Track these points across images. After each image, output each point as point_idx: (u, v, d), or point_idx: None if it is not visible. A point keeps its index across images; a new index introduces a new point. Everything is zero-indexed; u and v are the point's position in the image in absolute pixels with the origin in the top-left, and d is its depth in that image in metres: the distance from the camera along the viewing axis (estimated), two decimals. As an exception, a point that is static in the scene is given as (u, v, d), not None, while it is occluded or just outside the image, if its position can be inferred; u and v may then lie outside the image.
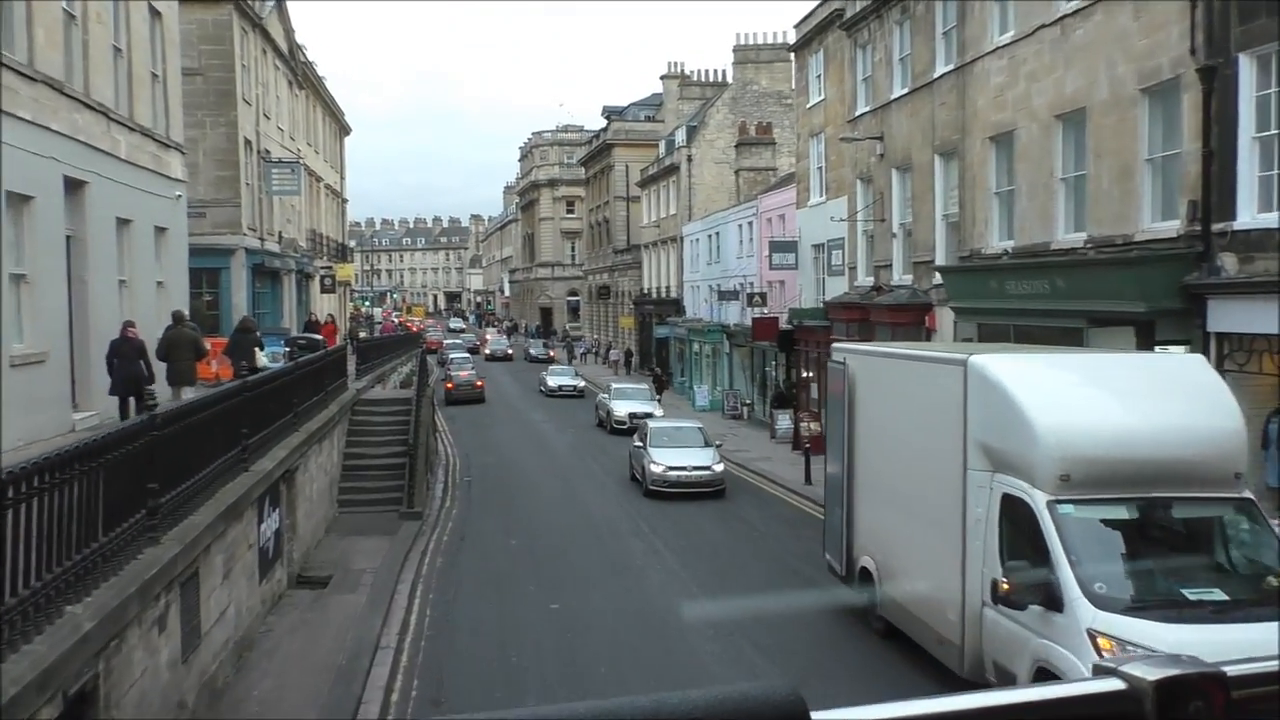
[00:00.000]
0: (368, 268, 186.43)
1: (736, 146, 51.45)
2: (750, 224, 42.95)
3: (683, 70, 67.33)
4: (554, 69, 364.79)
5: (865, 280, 29.87)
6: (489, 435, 37.48)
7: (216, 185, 29.56)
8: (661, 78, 68.78)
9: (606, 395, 38.18)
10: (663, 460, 23.44)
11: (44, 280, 15.45)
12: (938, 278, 24.96)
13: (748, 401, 43.17)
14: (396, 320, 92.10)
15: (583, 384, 48.95)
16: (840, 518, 13.41)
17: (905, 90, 26.78)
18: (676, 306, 56.72)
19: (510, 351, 73.24)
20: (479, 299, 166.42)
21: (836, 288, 31.66)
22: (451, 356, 58.10)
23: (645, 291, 65.12)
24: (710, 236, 49.97)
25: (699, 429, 26.07)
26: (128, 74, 19.62)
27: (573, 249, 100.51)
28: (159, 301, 21.45)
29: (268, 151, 33.06)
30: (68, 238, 16.80)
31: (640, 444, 24.86)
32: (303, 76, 41.35)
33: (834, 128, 32.16)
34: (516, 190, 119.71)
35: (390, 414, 25.81)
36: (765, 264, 40.37)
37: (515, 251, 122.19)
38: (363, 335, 34.91)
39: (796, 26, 35.78)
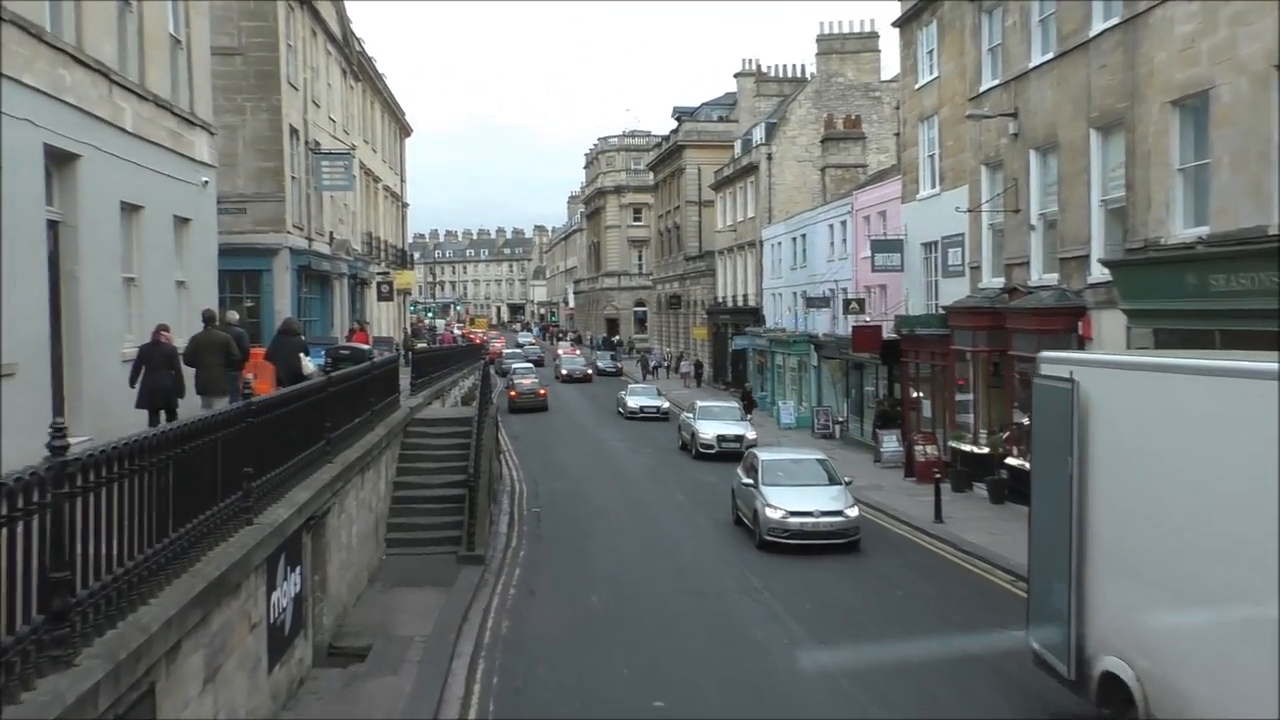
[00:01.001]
0: (430, 279, 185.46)
1: (823, 142, 47.59)
2: (843, 223, 39.04)
3: (758, 66, 63.51)
4: (620, 74, 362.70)
5: (993, 281, 25.84)
6: (557, 457, 33.98)
7: (258, 178, 26.49)
8: (736, 75, 64.95)
9: (690, 415, 34.25)
10: (781, 503, 18.96)
11: (14, 274, 12.17)
12: (1094, 275, 20.92)
13: (840, 419, 39.19)
14: (458, 331, 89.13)
15: (667, 405, 44.66)
16: (1065, 596, 9.55)
17: (1048, 56, 22.77)
18: (755, 316, 52.88)
19: (589, 372, 64.73)
20: (543, 310, 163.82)
21: (954, 291, 27.67)
22: (514, 367, 57.66)
23: (719, 300, 61.38)
24: (794, 239, 46.10)
25: (821, 461, 21.66)
26: (138, 31, 16.44)
27: (639, 258, 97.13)
28: (180, 304, 18.31)
29: (317, 142, 29.97)
30: (51, 223, 13.58)
31: (749, 481, 20.28)
32: (358, 67, 38.36)
33: (951, 108, 28.20)
34: (582, 199, 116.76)
35: (449, 436, 22.38)
36: (862, 267, 36.42)
37: (580, 261, 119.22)
38: (420, 346, 31.41)
39: (902, -1, 31.88)
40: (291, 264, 26.96)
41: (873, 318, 34.05)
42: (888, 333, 31.89)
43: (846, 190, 43.76)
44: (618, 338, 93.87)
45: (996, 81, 25.28)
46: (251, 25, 26.14)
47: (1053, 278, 22.77)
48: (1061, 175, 22.35)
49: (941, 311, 27.71)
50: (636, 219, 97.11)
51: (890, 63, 51.90)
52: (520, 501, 25.99)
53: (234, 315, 19.38)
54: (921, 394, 30.10)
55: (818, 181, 51.87)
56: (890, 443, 30.36)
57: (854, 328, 32.58)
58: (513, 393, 46.42)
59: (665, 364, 67.19)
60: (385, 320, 45.59)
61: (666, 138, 75.89)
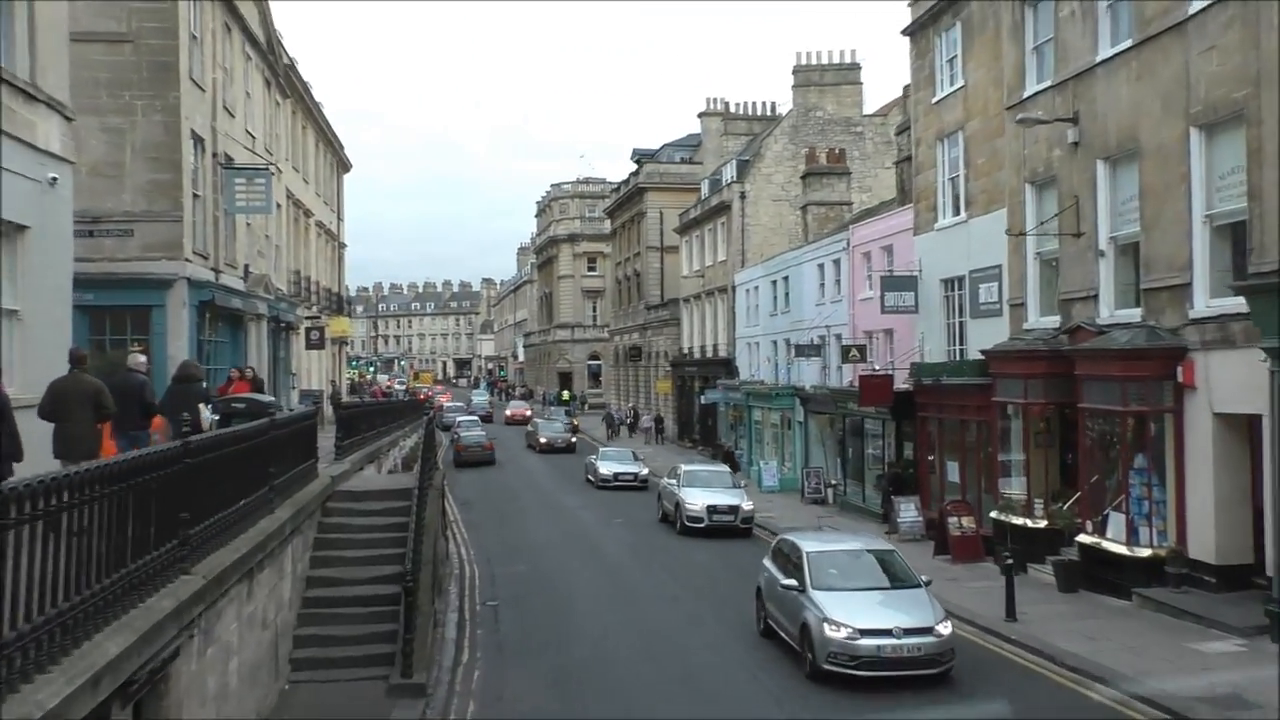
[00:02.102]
0: (374, 333, 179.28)
1: (804, 178, 43.57)
2: (836, 262, 34.82)
3: (726, 105, 59.85)
4: (574, 121, 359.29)
5: (1042, 320, 21.59)
6: (518, 531, 28.98)
7: (149, 193, 21.55)
8: (700, 115, 61.21)
9: (673, 482, 29.09)
10: (846, 617, 13.44)
11: None
12: (1198, 308, 16.70)
13: (833, 482, 34.63)
14: (400, 386, 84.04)
15: (646, 471, 38.64)
16: None
17: (1123, 46, 18.73)
18: (727, 367, 48.43)
19: (574, 440, 53.96)
20: (490, 365, 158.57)
21: (988, 333, 23.39)
22: (459, 419, 57.49)
23: (685, 351, 56.93)
24: (774, 282, 41.85)
25: (889, 555, 15.93)
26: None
27: (594, 309, 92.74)
28: (11, 340, 13.35)
29: (228, 156, 25.11)
30: None
31: (792, 583, 14.71)
32: (287, 81, 33.63)
33: (982, 120, 24.14)
34: (533, 248, 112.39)
35: (381, 514, 17.44)
36: (861, 310, 32.19)
37: (530, 314, 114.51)
38: (347, 400, 26.07)
39: (912, 4, 27.96)
40: (190, 299, 21.92)
41: (878, 366, 29.65)
42: (900, 383, 27.53)
43: (830, 230, 39.70)
44: (569, 393, 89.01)
45: (1046, 84, 21.22)
46: (144, 7, 21.38)
47: (1132, 314, 18.53)
48: (1145, 188, 18.17)
49: (975, 358, 23.37)
50: (591, 268, 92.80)
51: (874, 95, 48.29)
52: (473, 591, 20.99)
53: (140, 359, 14.88)
54: (944, 455, 25.67)
55: (796, 222, 47.89)
56: (909, 511, 25.81)
57: (861, 377, 28.13)
58: (458, 445, 46.48)
59: (625, 420, 62.25)
60: (316, 371, 40.44)
61: (625, 181, 71.87)
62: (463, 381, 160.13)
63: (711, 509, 25.97)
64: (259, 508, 12.40)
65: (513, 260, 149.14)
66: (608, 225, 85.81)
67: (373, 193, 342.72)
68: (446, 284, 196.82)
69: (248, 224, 27.60)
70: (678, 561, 23.65)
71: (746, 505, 26.36)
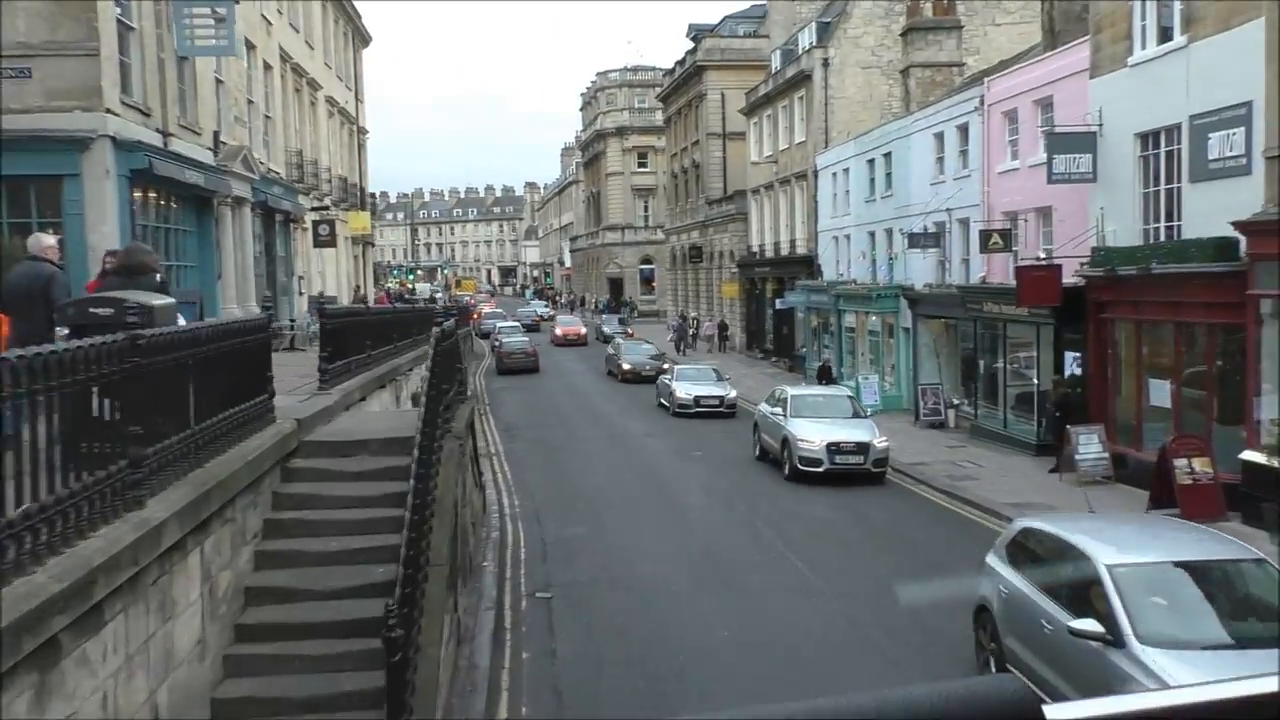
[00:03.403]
0: (415, 240, 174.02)
1: (904, 35, 36.30)
2: (963, 127, 27.89)
3: (797, -35, 52.01)
4: (619, 14, 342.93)
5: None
6: (571, 468, 23.12)
7: (52, 16, 15.29)
8: (767, -21, 53.63)
9: (778, 411, 21.78)
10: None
11: None
12: None
13: (955, 402, 28.29)
14: (401, 286, 78.20)
15: (734, 394, 31.51)
16: None
17: None
18: (807, 266, 41.83)
19: (665, 367, 37.53)
20: (535, 273, 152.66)
21: (1220, 202, 16.69)
22: (499, 326, 57.03)
23: (753, 250, 50.30)
24: (870, 162, 34.98)
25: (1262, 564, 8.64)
26: None
27: (646, 209, 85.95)
28: None
29: (177, -21, 18.73)
30: None
31: (1093, 630, 7.74)
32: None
33: (1222, -103, 17.03)
34: (579, 145, 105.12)
35: (376, 475, 11.37)
36: (998, 186, 25.46)
37: (577, 217, 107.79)
38: (334, 308, 19.28)
39: None
40: (118, 166, 15.78)
41: (1040, 255, 23.02)
42: (1071, 276, 20.96)
43: (938, 97, 32.62)
44: (624, 299, 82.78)
45: None
46: None
47: None
48: None
49: (1201, 236, 16.73)
50: (642, 164, 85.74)
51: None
52: (516, 570, 15.10)
53: (46, 240, 10.13)
54: (1142, 372, 19.20)
55: (889, 93, 40.82)
56: (1090, 446, 19.44)
57: (1021, 271, 21.50)
58: (501, 352, 45.92)
59: (692, 331, 55.11)
60: (333, 275, 34.49)
61: (680, 62, 64.42)
62: (508, 290, 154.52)
63: (833, 448, 19.54)
64: (104, 503, 6.41)
65: (558, 167, 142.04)
66: (659, 116, 78.64)
67: (416, 105, 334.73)
68: (489, 189, 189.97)
69: (218, 80, 21.36)
70: (793, 521, 17.44)
71: (879, 442, 19.91)
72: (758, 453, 22.97)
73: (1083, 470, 19.36)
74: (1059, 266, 21.08)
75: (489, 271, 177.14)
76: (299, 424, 11.63)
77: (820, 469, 19.58)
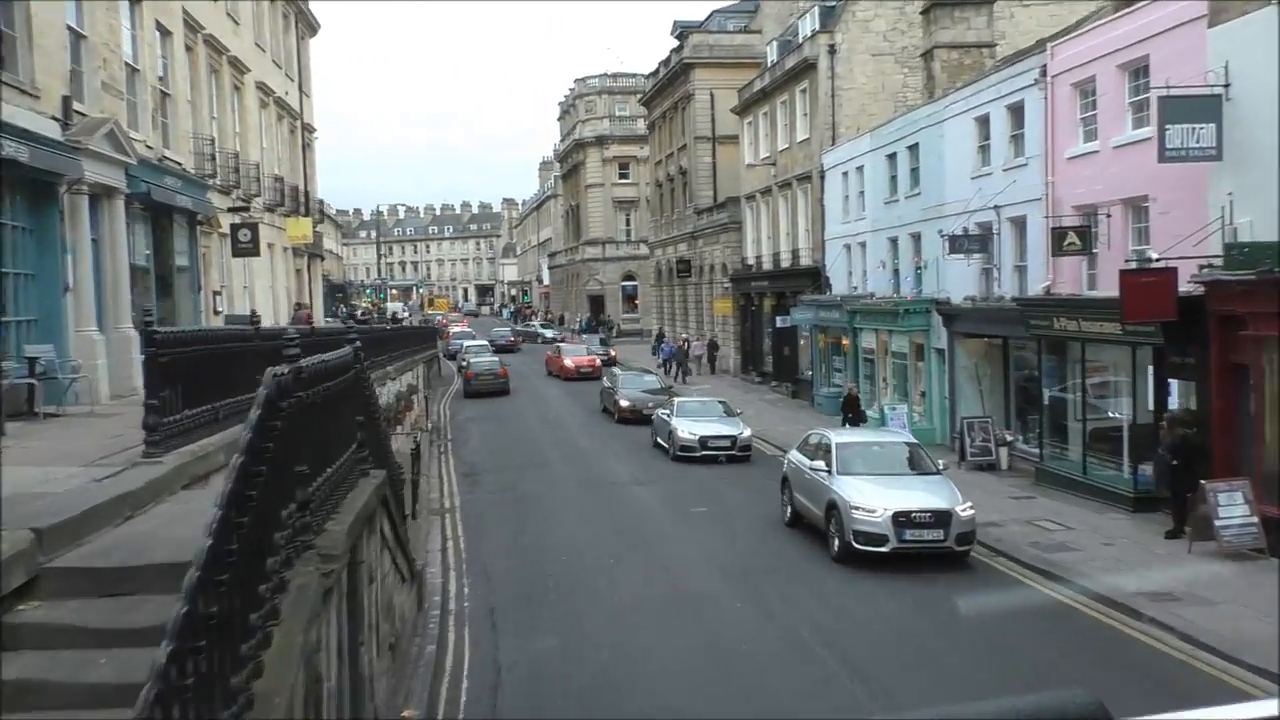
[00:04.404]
0: (389, 258, 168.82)
1: (926, 13, 31.56)
2: (1016, 107, 23.06)
3: (792, -48, 47.40)
4: (599, 23, 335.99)
5: None
6: (542, 532, 18.02)
7: None
8: (760, -32, 49.03)
9: (820, 466, 16.36)
10: None
11: None
12: None
13: (1009, 438, 23.42)
14: (369, 307, 74.00)
15: (748, 432, 26.07)
16: None
17: None
18: (814, 279, 37.00)
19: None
20: (514, 291, 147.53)
21: None
22: (466, 345, 55.67)
23: (749, 263, 45.47)
24: (890, 157, 30.20)
25: None
26: None
27: (628, 222, 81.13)
28: None
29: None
30: None
31: None
32: None
33: None
34: (557, 157, 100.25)
35: (151, 634, 6.29)
36: (1067, 174, 20.64)
37: (555, 232, 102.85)
38: (169, 336, 14.07)
39: None
40: None
41: (1115, 258, 18.17)
42: (1187, 283, 16.13)
43: (967, 81, 27.88)
44: (604, 317, 77.75)
45: None
46: None
47: None
48: None
49: None
50: (623, 175, 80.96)
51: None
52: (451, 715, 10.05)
53: None
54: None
55: (903, 82, 36.17)
56: (1234, 507, 14.55)
57: (1128, 276, 16.54)
58: (468, 374, 43.61)
59: (690, 351, 49.30)
60: (264, 288, 29.37)
61: (665, 61, 59.69)
62: (485, 309, 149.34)
63: (902, 519, 14.29)
64: None
65: (536, 183, 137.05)
66: (641, 125, 74.01)
67: (386, 120, 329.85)
68: (465, 205, 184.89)
69: (75, 31, 16.29)
70: (856, 632, 12.28)
71: (963, 509, 14.75)
72: (789, 516, 17.68)
73: (1225, 540, 14.46)
74: (1173, 271, 16.21)
75: (465, 290, 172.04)
76: (39, 538, 6.59)
77: (884, 548, 14.47)
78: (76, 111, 15.91)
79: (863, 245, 32.68)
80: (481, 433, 32.34)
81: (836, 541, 15.03)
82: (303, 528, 6.79)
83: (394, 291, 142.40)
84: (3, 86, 13.50)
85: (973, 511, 14.89)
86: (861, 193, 32.67)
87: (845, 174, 34.19)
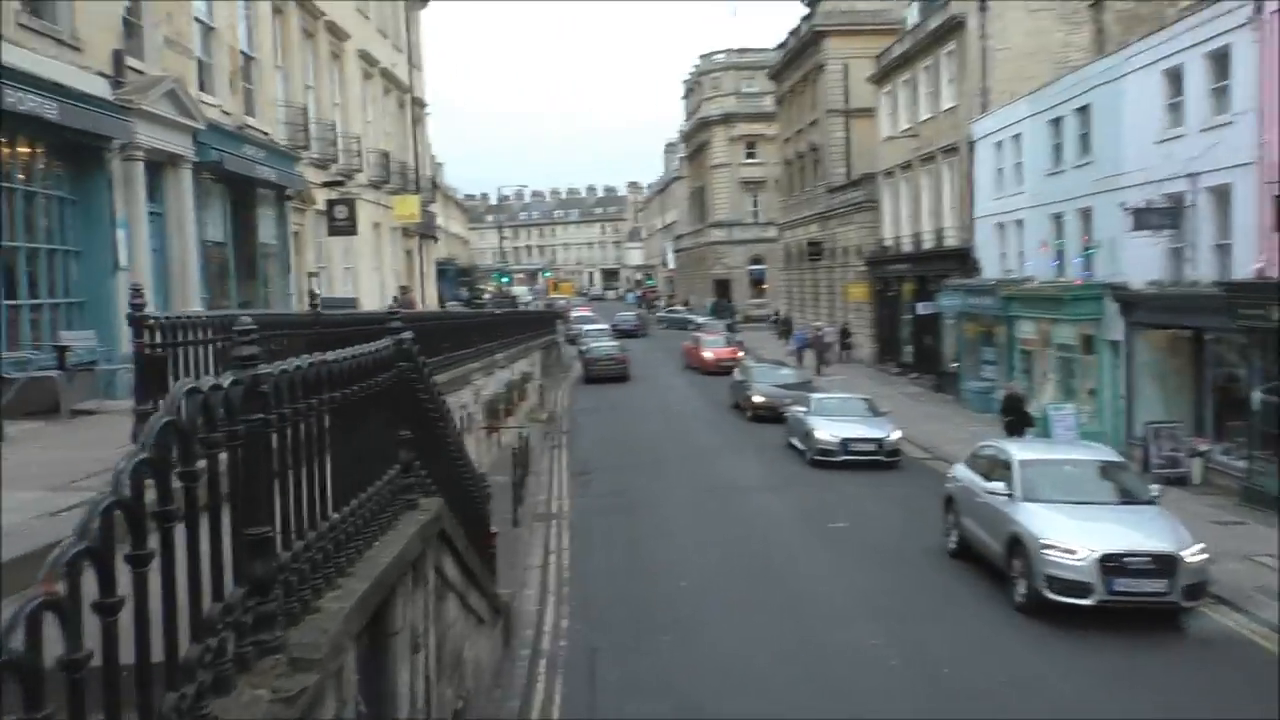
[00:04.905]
0: (503, 239, 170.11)
1: (1098, -43, 27.85)
2: (1219, 55, 19.44)
3: (937, -94, 43.60)
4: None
5: None
6: (660, 560, 15.53)
7: None
8: (900, -74, 45.29)
9: (998, 487, 13.15)
10: None
11: None
12: None
13: (1202, 449, 19.94)
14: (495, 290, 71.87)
15: (897, 435, 23.12)
16: None
17: None
18: (960, 261, 33.59)
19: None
20: (639, 276, 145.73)
21: None
22: (585, 329, 54.06)
23: (885, 244, 42.14)
24: (1055, 122, 26.67)
25: None
26: None
27: (755, 203, 78.07)
28: None
29: None
30: None
31: None
32: None
33: None
34: (682, 137, 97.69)
35: None
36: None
37: (681, 214, 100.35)
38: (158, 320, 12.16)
39: None
40: None
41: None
42: None
43: (1149, 32, 24.13)
44: (726, 301, 74.96)
45: None
46: None
47: None
48: None
49: None
50: (750, 154, 77.86)
51: None
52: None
53: None
54: None
55: (1063, 41, 32.36)
56: None
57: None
58: (587, 359, 43.05)
59: (827, 339, 45.52)
60: (368, 271, 27.73)
61: (795, 31, 56.49)
62: (611, 294, 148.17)
63: (1112, 565, 11.19)
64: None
65: (661, 166, 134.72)
66: (769, 102, 70.83)
67: (513, 102, 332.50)
68: (590, 189, 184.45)
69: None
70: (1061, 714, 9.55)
71: (1192, 554, 11.57)
72: (954, 544, 14.73)
73: None
74: None
75: (591, 274, 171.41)
76: None
77: (1088, 600, 11.46)
78: (132, 69, 14.10)
79: (1019, 223, 29.21)
80: (598, 425, 30.18)
81: (1022, 586, 12.07)
82: (262, 621, 4.42)
83: (520, 276, 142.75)
84: (35, 37, 11.68)
85: (1204, 556, 11.72)
86: (1018, 164, 29.18)
87: (999, 144, 30.69)
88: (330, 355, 5.44)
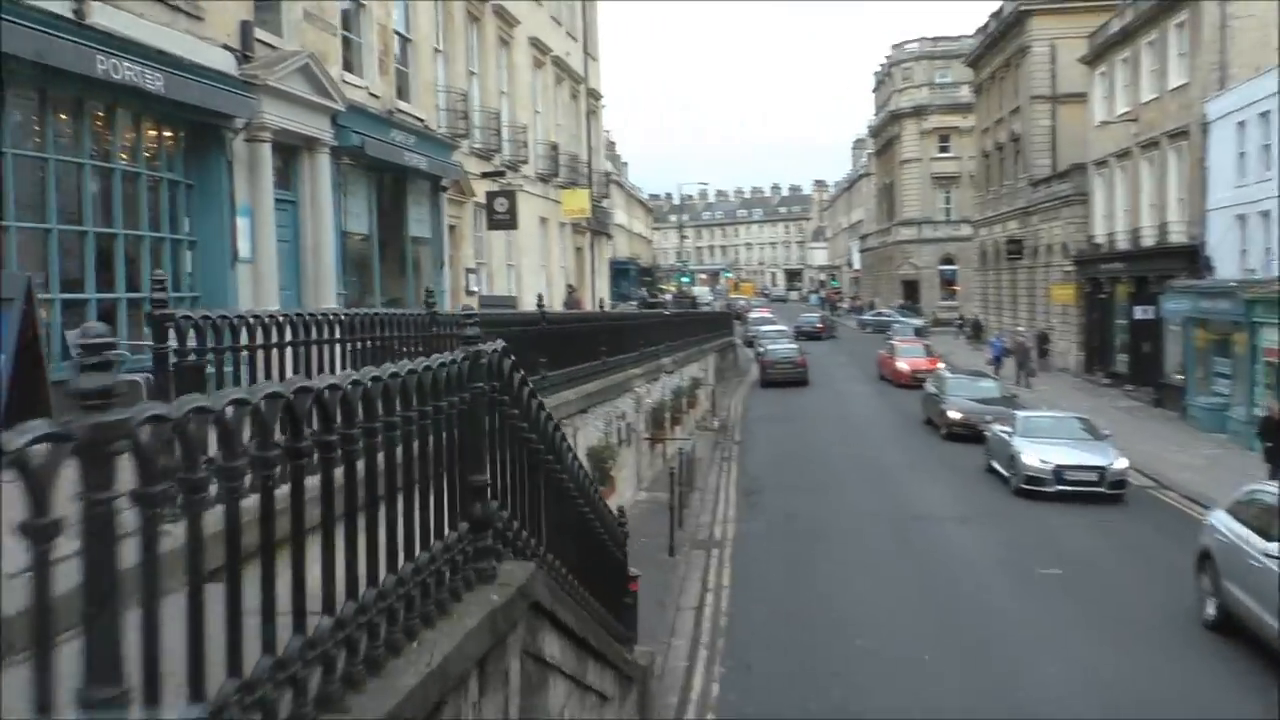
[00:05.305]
0: (683, 238, 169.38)
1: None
2: None
3: None
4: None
5: None
6: (834, 604, 13.31)
7: None
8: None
9: (1275, 549, 10.02)
10: None
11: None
12: None
13: None
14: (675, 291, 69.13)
15: (1123, 464, 19.54)
16: None
17: None
18: (1189, 260, 29.67)
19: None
20: (823, 277, 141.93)
21: None
22: (763, 330, 52.86)
23: (1096, 241, 38.16)
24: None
25: None
26: None
27: (948, 199, 73.84)
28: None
29: None
30: None
31: None
32: None
33: None
34: (870, 132, 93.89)
35: None
36: None
37: (868, 213, 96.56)
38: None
39: None
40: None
41: None
42: None
43: None
44: (912, 304, 71.07)
45: None
46: None
47: None
48: None
49: None
50: (943, 148, 73.67)
51: None
52: None
53: None
54: None
55: (1324, 7, 27.96)
56: None
57: None
58: (764, 361, 41.62)
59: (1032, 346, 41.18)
60: (532, 268, 26.46)
61: (996, 13, 52.54)
62: (793, 294, 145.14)
63: None
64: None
65: (848, 164, 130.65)
66: (965, 92, 66.79)
67: (700, 101, 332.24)
68: (775, 188, 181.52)
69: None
70: None
71: None
72: (1212, 612, 11.71)
73: None
74: None
75: (773, 275, 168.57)
76: None
77: None
78: (264, 43, 12.95)
79: (1265, 214, 25.33)
80: (772, 436, 28.02)
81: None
82: None
83: (702, 276, 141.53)
84: (146, 3, 10.54)
85: None
86: (1266, 146, 25.30)
87: (1241, 124, 26.79)
88: (331, 379, 3.59)
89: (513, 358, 5.74)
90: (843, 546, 16.06)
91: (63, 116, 9.85)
